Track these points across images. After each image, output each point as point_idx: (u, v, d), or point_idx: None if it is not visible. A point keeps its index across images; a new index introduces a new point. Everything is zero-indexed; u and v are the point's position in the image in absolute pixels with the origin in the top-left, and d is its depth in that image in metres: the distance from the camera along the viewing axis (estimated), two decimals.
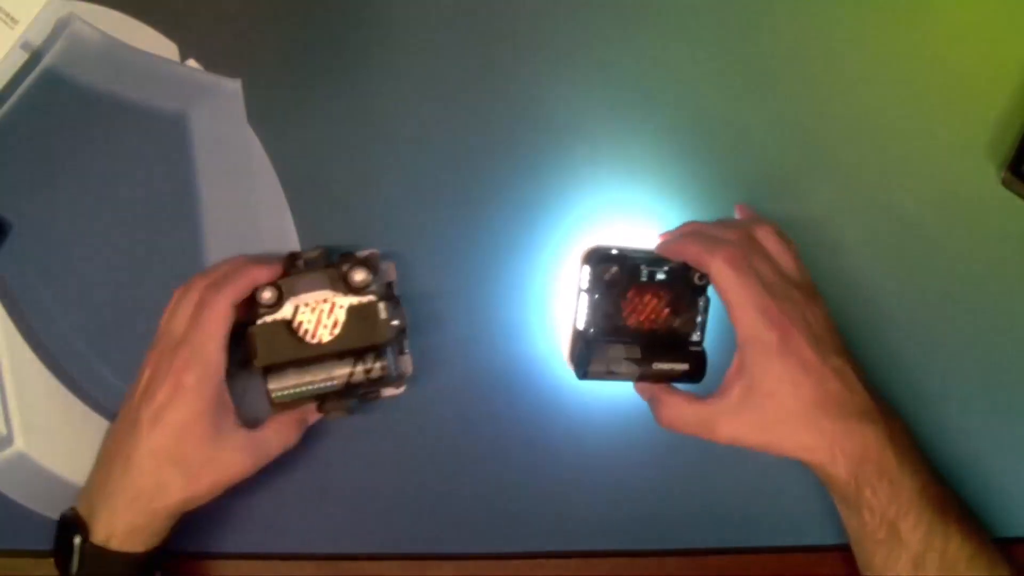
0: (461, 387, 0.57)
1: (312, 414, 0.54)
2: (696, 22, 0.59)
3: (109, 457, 0.51)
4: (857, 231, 0.57)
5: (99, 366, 0.59)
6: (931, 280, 0.57)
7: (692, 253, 0.50)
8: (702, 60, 0.59)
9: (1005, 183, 0.56)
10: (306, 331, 0.52)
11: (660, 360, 0.52)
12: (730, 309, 0.48)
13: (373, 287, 0.52)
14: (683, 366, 0.52)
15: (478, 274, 0.58)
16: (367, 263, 0.53)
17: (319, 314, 0.52)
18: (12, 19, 0.60)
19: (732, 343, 0.49)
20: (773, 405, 0.47)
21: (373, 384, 0.53)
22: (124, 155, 0.60)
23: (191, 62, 0.60)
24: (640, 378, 0.52)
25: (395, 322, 0.53)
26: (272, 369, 0.52)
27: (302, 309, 0.52)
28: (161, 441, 0.49)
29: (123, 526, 0.49)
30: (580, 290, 0.53)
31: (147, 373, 0.51)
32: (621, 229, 0.57)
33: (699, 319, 0.53)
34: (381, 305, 0.52)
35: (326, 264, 0.54)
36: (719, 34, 0.59)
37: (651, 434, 0.57)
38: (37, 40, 0.61)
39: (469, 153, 0.59)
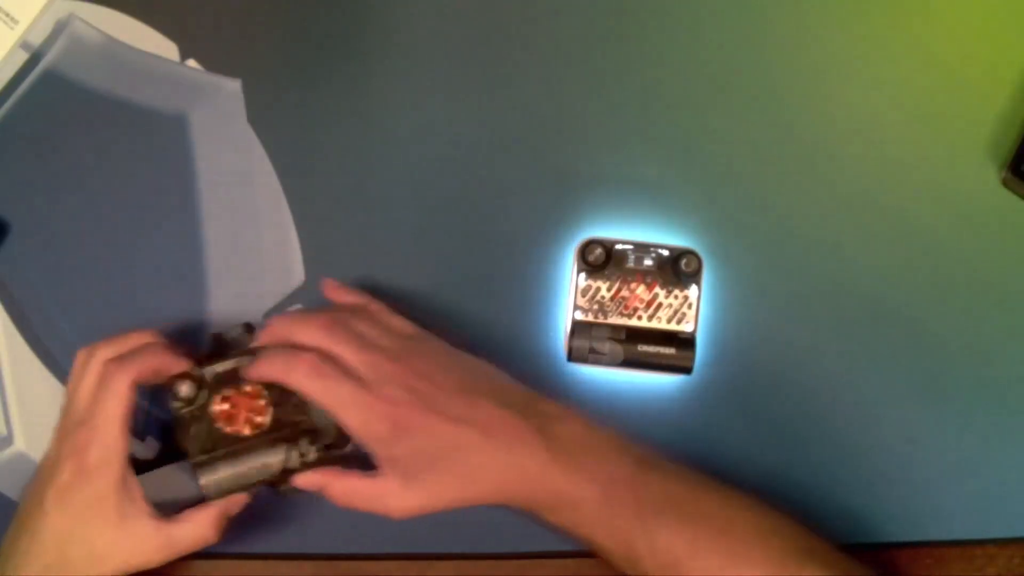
0: None
1: (236, 505, 0.51)
2: (696, 22, 0.59)
3: (18, 527, 0.49)
4: (857, 231, 0.57)
5: None
6: (931, 280, 0.57)
7: (274, 373, 0.48)
8: (702, 60, 0.59)
9: (1005, 183, 0.56)
10: (232, 420, 0.50)
11: (646, 343, 0.52)
12: (335, 415, 0.47)
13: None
14: (670, 350, 0.52)
15: (478, 273, 0.58)
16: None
17: (244, 400, 0.50)
18: (12, 19, 0.61)
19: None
20: (425, 478, 0.46)
21: (306, 463, 0.50)
22: (124, 155, 0.60)
23: (191, 62, 0.60)
24: (625, 362, 0.52)
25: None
26: (201, 463, 0.49)
27: (223, 398, 0.50)
28: (66, 522, 0.47)
29: None
30: (573, 276, 0.54)
31: (54, 447, 0.50)
32: (620, 228, 0.57)
33: (691, 309, 0.53)
34: None
35: (250, 341, 0.53)
36: (719, 34, 0.59)
37: (647, 434, 0.57)
38: (37, 40, 0.61)
39: (469, 153, 0.59)
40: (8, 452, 0.59)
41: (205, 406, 0.50)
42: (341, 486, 0.48)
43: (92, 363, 0.50)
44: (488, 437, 0.46)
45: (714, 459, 0.56)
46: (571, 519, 0.47)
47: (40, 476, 0.50)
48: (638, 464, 0.47)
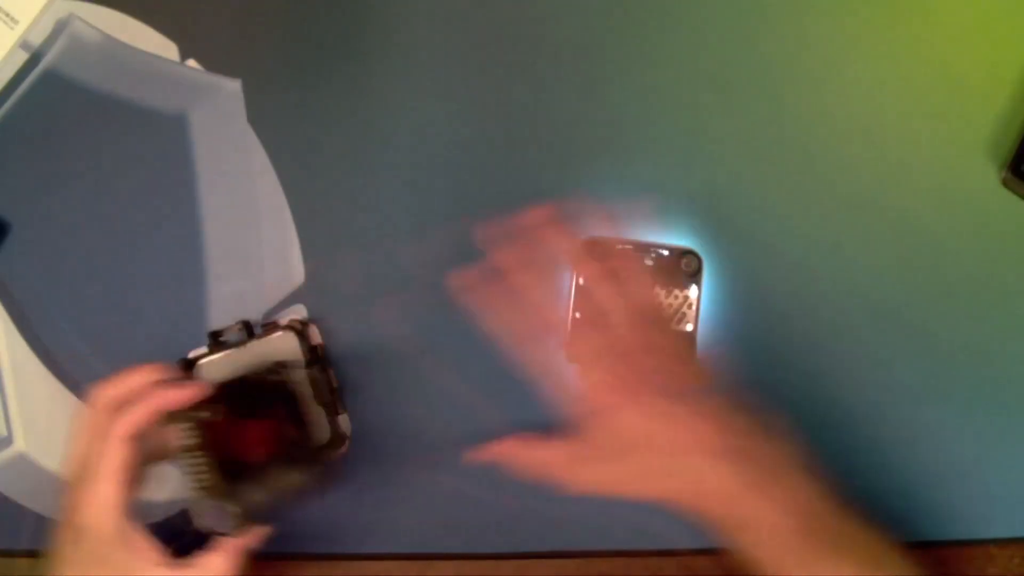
0: (461, 387, 0.57)
1: (254, 540, 0.50)
2: (696, 22, 0.59)
3: (51, 568, 0.49)
4: (857, 231, 0.57)
5: (99, 366, 0.59)
6: (931, 280, 0.57)
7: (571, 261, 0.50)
8: (702, 60, 0.59)
9: (1005, 183, 0.56)
10: (240, 448, 0.50)
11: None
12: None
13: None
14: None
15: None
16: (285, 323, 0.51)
17: (246, 428, 0.51)
18: (12, 19, 0.61)
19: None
20: (630, 458, 0.47)
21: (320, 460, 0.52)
22: (124, 155, 0.60)
23: (191, 62, 0.60)
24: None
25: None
26: (236, 495, 0.49)
27: (225, 429, 0.50)
28: (80, 571, 0.48)
29: None
30: (572, 278, 0.54)
31: (65, 501, 0.49)
32: (621, 227, 0.57)
33: (691, 308, 0.53)
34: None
35: (248, 337, 0.55)
36: (719, 34, 0.59)
37: None
38: (37, 40, 0.61)
39: (469, 153, 0.59)
40: (8, 452, 0.59)
41: (210, 441, 0.49)
42: (523, 456, 0.50)
43: (91, 414, 0.49)
44: (705, 443, 0.46)
45: None
46: (755, 542, 0.46)
47: (60, 523, 0.50)
48: (829, 496, 0.47)
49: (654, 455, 0.47)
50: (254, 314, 0.59)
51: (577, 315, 0.54)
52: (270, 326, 0.57)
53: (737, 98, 0.58)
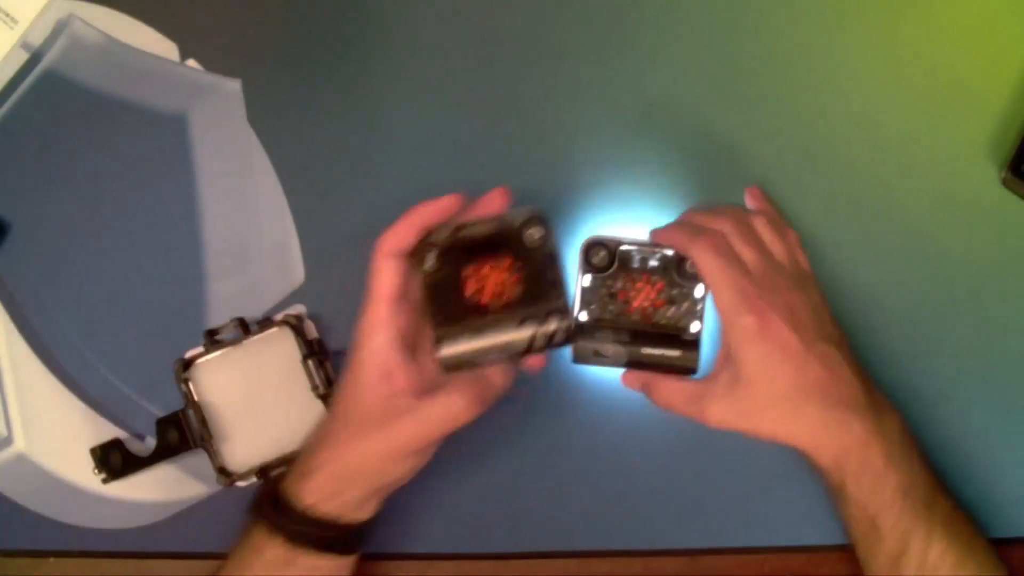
0: None
1: (497, 386, 0.49)
2: (696, 22, 0.59)
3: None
4: (857, 231, 0.57)
5: (99, 366, 0.59)
6: (931, 280, 0.57)
7: (677, 240, 0.50)
8: (702, 60, 0.59)
9: (1005, 183, 0.56)
10: (480, 292, 0.49)
11: (650, 346, 0.52)
12: (712, 294, 0.49)
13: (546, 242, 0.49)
14: (675, 353, 0.52)
15: None
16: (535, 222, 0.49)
17: (495, 273, 0.49)
18: (12, 19, 0.61)
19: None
20: (756, 390, 0.47)
21: (551, 344, 0.49)
22: (124, 155, 0.60)
23: (191, 62, 0.60)
24: (629, 364, 0.52)
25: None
26: (443, 335, 0.48)
27: (474, 268, 0.49)
28: (338, 394, 0.49)
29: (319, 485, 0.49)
30: (578, 276, 0.54)
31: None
32: (621, 227, 0.57)
33: (697, 308, 0.53)
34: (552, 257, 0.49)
35: (244, 335, 0.55)
36: (719, 34, 0.59)
37: (650, 434, 0.57)
38: (37, 40, 0.61)
39: (469, 153, 0.59)
40: (8, 452, 0.59)
41: (454, 275, 0.48)
42: (665, 386, 0.50)
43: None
44: (830, 391, 0.47)
45: (714, 459, 0.56)
46: (867, 492, 0.47)
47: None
48: (936, 479, 0.49)
49: (779, 395, 0.47)
50: (254, 314, 0.59)
51: (582, 317, 0.54)
52: (266, 322, 0.57)
53: (737, 99, 0.58)
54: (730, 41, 0.59)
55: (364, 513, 0.50)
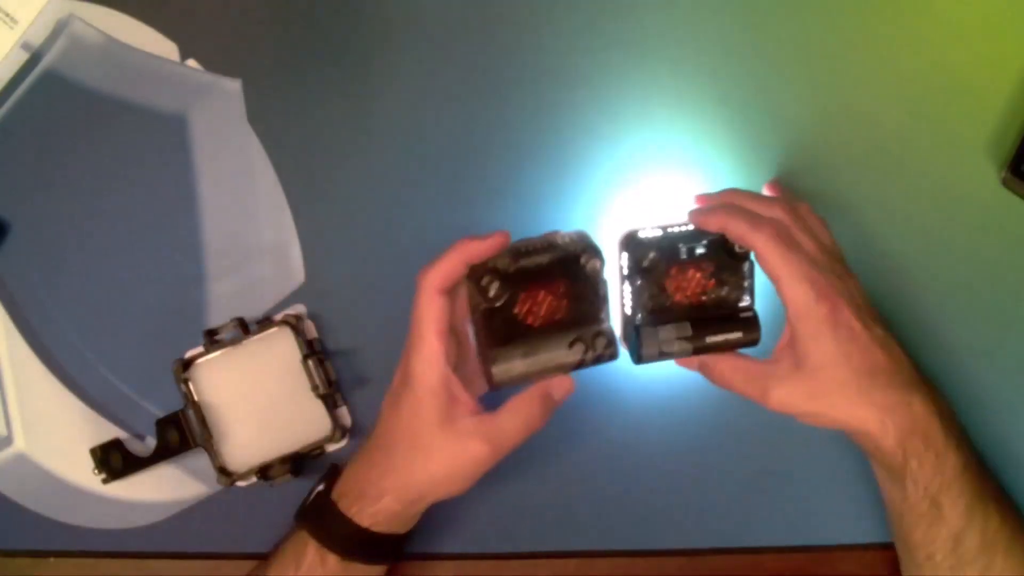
0: None
1: (560, 388, 0.51)
2: (697, 23, 0.59)
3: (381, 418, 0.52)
4: (857, 231, 0.57)
5: (99, 366, 0.59)
6: (931, 280, 0.57)
7: (736, 229, 0.50)
8: (702, 60, 0.59)
9: (1005, 183, 0.56)
10: (532, 314, 0.50)
11: (712, 333, 0.52)
12: (778, 284, 0.48)
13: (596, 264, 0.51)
14: (737, 334, 0.52)
15: None
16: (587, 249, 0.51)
17: (545, 296, 0.50)
18: (12, 19, 0.61)
19: (779, 305, 0.48)
20: (824, 375, 0.47)
21: (596, 363, 0.51)
22: (124, 155, 0.60)
23: (191, 62, 0.60)
24: (695, 354, 0.52)
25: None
26: (498, 356, 0.50)
27: (526, 294, 0.50)
28: (394, 425, 0.50)
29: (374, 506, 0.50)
30: (623, 277, 0.53)
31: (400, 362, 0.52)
32: (621, 227, 0.57)
33: (746, 283, 0.52)
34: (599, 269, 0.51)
35: (244, 334, 0.56)
36: (719, 34, 0.59)
37: (651, 434, 0.57)
38: (37, 40, 0.61)
39: (470, 153, 0.59)
40: (8, 452, 0.59)
41: (509, 300, 0.50)
42: (725, 364, 0.50)
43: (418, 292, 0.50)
44: (893, 373, 0.48)
45: (715, 459, 0.56)
46: (931, 470, 0.47)
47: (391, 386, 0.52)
48: (982, 460, 0.50)
49: (846, 379, 0.47)
50: (254, 314, 0.59)
51: (626, 311, 0.53)
52: (265, 322, 0.57)
53: (736, 99, 0.58)
54: (729, 42, 0.59)
55: (414, 523, 0.53)
